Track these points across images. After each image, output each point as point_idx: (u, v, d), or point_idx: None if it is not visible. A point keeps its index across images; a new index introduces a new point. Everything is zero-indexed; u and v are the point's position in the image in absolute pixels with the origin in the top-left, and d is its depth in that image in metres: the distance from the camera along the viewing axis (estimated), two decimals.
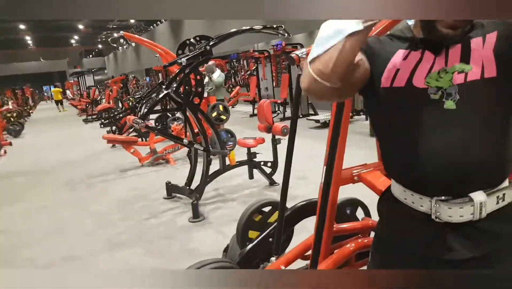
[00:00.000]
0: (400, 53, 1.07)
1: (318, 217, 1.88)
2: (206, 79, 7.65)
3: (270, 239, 2.37)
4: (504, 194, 1.03)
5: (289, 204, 2.44)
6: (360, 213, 2.68)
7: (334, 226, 1.97)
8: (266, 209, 2.70)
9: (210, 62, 7.90)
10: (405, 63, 1.05)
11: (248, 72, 13.88)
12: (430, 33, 1.01)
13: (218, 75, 7.78)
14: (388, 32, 1.18)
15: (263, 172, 4.88)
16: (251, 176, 5.08)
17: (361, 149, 3.75)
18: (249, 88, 13.00)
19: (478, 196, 1.00)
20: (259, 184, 4.97)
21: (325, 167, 1.85)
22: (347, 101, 1.75)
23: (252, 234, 2.60)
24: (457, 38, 1.00)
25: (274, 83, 12.30)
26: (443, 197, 1.02)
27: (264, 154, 5.00)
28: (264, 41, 14.31)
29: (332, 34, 0.95)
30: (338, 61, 0.95)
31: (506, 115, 1.02)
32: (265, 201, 2.73)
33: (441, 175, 1.00)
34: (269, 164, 4.89)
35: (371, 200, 1.98)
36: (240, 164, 4.87)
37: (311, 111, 10.65)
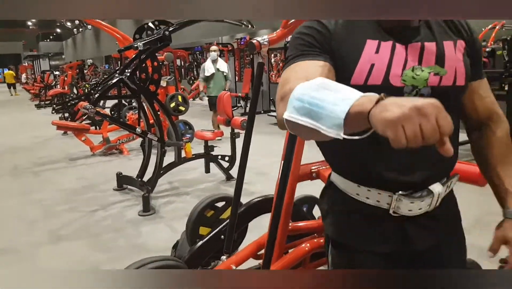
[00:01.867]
0: (370, 45, 0.97)
1: (273, 214, 1.78)
2: (210, 69, 7.02)
3: (222, 237, 2.25)
4: (451, 182, 1.08)
5: (245, 200, 2.33)
6: (317, 211, 2.62)
7: (290, 224, 1.89)
8: (220, 204, 2.58)
9: (214, 47, 7.19)
10: (379, 57, 0.96)
11: None
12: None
13: (226, 67, 7.22)
14: None
15: (220, 166, 4.73)
16: (207, 170, 4.90)
17: None
18: None
19: (437, 188, 1.02)
20: (216, 178, 4.82)
21: (282, 162, 1.75)
22: None
23: (203, 230, 2.47)
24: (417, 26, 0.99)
25: (236, 78, 12.17)
26: (402, 192, 1.00)
27: (222, 147, 4.86)
28: (229, 34, 14.14)
29: (309, 110, 0.74)
30: (311, 137, 0.81)
31: (458, 117, 1.08)
32: (219, 195, 2.60)
33: (409, 171, 0.99)
34: (226, 158, 4.75)
35: None
36: (197, 156, 4.70)
37: (272, 108, 10.61)
